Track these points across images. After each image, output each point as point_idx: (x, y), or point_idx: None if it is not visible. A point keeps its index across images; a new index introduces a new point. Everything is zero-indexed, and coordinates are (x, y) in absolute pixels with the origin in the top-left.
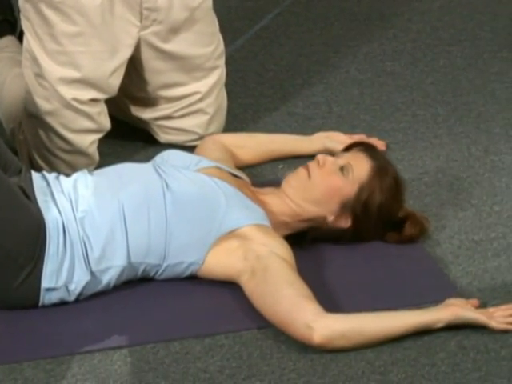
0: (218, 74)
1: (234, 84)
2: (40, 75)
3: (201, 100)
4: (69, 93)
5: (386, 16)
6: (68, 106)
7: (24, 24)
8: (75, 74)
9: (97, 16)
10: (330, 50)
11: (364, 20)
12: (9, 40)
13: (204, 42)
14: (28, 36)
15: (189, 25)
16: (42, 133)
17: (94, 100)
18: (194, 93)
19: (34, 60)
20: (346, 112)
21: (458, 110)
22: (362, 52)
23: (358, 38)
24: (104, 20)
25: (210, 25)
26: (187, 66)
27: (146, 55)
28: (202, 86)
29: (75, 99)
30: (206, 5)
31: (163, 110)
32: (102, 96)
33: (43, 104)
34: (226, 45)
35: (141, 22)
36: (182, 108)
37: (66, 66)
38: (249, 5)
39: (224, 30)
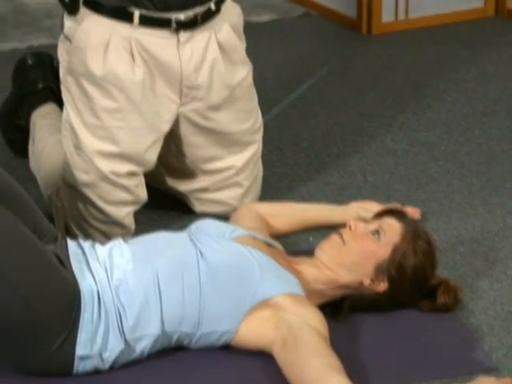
0: (255, 148)
1: (269, 153)
2: (78, 147)
3: (237, 174)
4: (106, 166)
5: (420, 86)
6: (105, 178)
7: (64, 95)
8: (113, 149)
9: (137, 93)
10: (364, 119)
11: (399, 90)
12: (50, 107)
13: (243, 119)
14: (68, 107)
15: (229, 103)
16: (78, 202)
17: (131, 173)
18: (230, 167)
19: (73, 131)
20: (380, 182)
21: (493, 181)
22: (397, 122)
23: (393, 108)
24: (144, 96)
25: (250, 101)
26: (225, 140)
27: (185, 130)
28: (239, 160)
29: (113, 172)
30: (247, 82)
31: (199, 182)
32: (139, 169)
33: (81, 175)
34: (262, 114)
35: (180, 98)
36: (219, 181)
37: (104, 140)
38: (284, 74)
39: (260, 99)
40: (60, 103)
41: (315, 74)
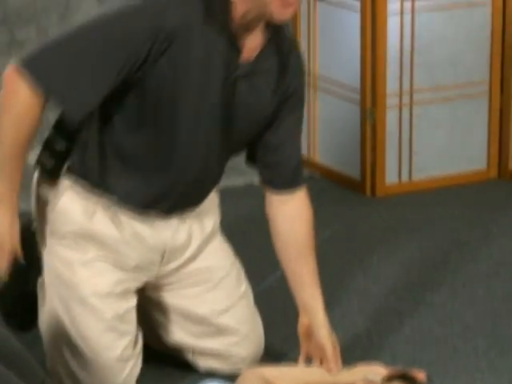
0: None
1: (273, 314)
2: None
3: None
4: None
5: (424, 247)
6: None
7: (47, 261)
8: None
9: (120, 247)
10: (369, 280)
11: (403, 251)
12: None
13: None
14: (51, 273)
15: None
16: None
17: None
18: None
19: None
20: (386, 343)
21: (499, 342)
22: (402, 282)
23: (397, 269)
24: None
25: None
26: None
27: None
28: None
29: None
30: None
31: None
32: None
33: None
34: (267, 276)
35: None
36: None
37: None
38: None
39: (265, 261)
40: None
41: (319, 237)
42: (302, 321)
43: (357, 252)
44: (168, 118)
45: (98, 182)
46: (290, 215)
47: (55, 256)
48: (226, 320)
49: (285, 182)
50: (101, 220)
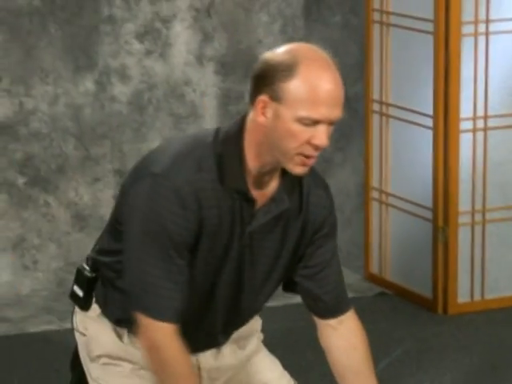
0: None
1: None
2: None
3: None
4: None
5: (498, 368)
6: None
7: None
8: None
9: None
10: None
11: (476, 372)
12: None
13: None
14: None
15: None
16: None
17: None
18: None
19: None
20: None
21: None
22: None
23: None
24: None
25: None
26: None
27: None
28: None
29: None
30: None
31: None
32: None
33: None
34: None
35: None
36: None
37: None
38: None
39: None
40: None
41: (391, 355)
42: None
43: (428, 371)
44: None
45: (121, 318)
46: (343, 345)
47: (97, 378)
48: None
49: (329, 310)
50: (131, 340)
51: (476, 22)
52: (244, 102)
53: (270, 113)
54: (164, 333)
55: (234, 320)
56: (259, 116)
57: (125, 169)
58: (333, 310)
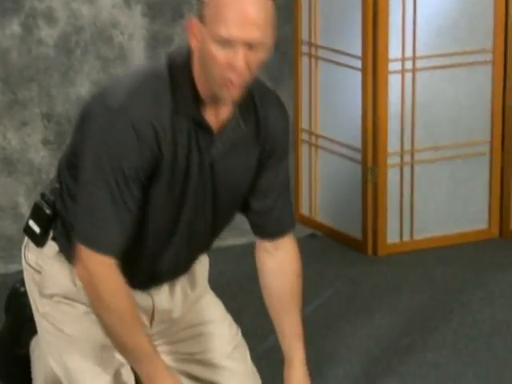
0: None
1: (274, 375)
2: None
3: None
4: None
5: (426, 307)
6: None
7: (40, 322)
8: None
9: None
10: (371, 341)
11: (405, 311)
12: None
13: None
14: (47, 334)
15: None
16: None
17: None
18: None
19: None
20: None
21: None
22: (404, 343)
23: (399, 329)
24: None
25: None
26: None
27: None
28: None
29: None
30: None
31: None
32: None
33: None
34: (268, 333)
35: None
36: None
37: None
38: None
39: (266, 319)
40: None
41: (321, 296)
42: (285, 373)
43: (359, 311)
44: (149, 196)
45: None
46: (274, 269)
47: (47, 314)
48: (227, 363)
49: (272, 230)
50: None
51: None
52: (173, 44)
53: (199, 36)
54: (102, 264)
55: (191, 254)
56: (192, 40)
57: (53, 112)
58: (275, 231)
